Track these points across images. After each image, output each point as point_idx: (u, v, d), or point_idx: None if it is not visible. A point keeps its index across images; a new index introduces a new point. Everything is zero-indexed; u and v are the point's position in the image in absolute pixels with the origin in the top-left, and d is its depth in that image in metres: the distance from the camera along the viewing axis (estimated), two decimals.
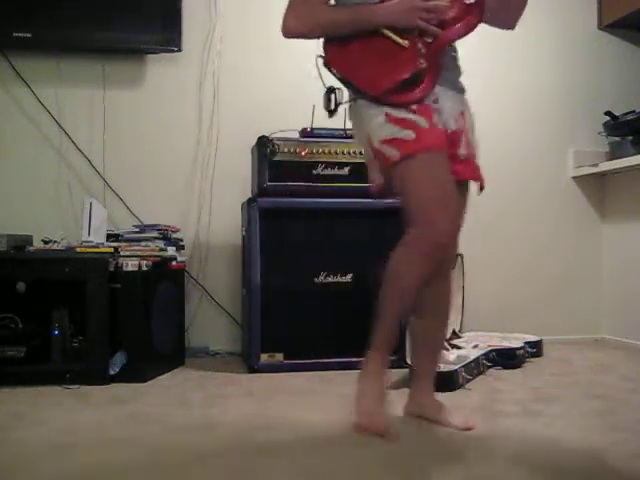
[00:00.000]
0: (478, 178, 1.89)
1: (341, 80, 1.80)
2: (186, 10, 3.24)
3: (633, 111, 3.34)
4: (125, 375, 2.56)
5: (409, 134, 1.73)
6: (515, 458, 1.67)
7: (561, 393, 2.37)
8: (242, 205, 3.06)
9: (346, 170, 2.89)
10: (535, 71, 3.66)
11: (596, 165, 3.54)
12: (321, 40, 1.83)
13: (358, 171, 2.82)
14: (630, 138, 3.38)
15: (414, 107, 1.74)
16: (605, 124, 3.51)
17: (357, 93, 1.80)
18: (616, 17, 3.59)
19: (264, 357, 2.78)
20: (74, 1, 3.12)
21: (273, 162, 2.84)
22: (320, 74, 1.80)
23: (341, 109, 1.88)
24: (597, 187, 3.72)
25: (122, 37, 3.16)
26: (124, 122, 3.26)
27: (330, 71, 1.80)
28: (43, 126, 3.20)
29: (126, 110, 3.27)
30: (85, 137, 3.22)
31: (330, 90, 1.85)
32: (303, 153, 2.85)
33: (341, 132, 2.86)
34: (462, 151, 1.84)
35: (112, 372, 2.56)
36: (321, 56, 1.82)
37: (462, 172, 1.85)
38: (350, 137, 2.88)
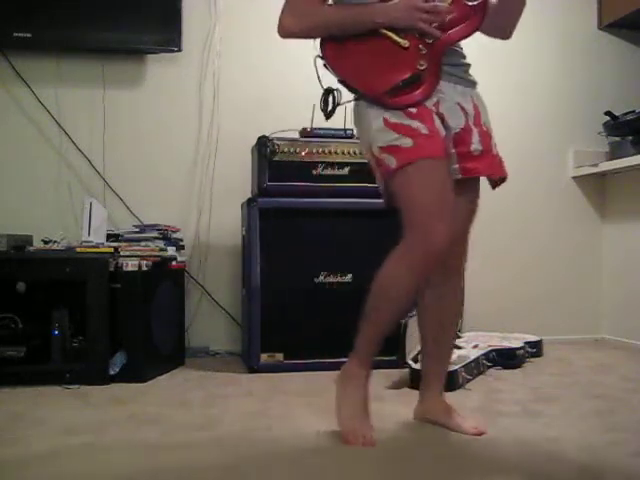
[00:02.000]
0: (496, 172, 1.85)
1: (340, 81, 1.77)
2: (186, 10, 3.24)
3: (633, 111, 3.34)
4: (125, 375, 2.56)
5: (407, 142, 1.68)
6: (515, 458, 1.67)
7: (561, 393, 2.37)
8: (242, 205, 3.06)
9: (346, 170, 2.88)
10: (535, 71, 3.66)
11: (596, 165, 3.54)
12: (318, 40, 1.79)
13: (358, 171, 2.83)
14: (630, 138, 3.38)
15: (414, 111, 1.70)
16: (605, 124, 3.51)
17: (357, 94, 1.76)
18: (616, 17, 3.59)
19: (264, 357, 2.78)
20: (74, 1, 3.12)
21: (273, 162, 2.84)
22: (318, 75, 1.76)
23: (340, 110, 1.85)
24: (597, 187, 3.72)
25: (122, 37, 3.16)
26: (124, 122, 3.27)
27: (329, 71, 1.76)
28: (43, 126, 3.20)
29: (126, 110, 3.27)
30: (85, 137, 3.22)
31: (328, 91, 1.82)
32: (303, 153, 2.85)
33: (341, 132, 2.88)
34: (476, 146, 1.80)
35: (112, 372, 2.56)
36: (320, 56, 1.78)
37: (478, 169, 1.81)
38: (350, 137, 2.90)
